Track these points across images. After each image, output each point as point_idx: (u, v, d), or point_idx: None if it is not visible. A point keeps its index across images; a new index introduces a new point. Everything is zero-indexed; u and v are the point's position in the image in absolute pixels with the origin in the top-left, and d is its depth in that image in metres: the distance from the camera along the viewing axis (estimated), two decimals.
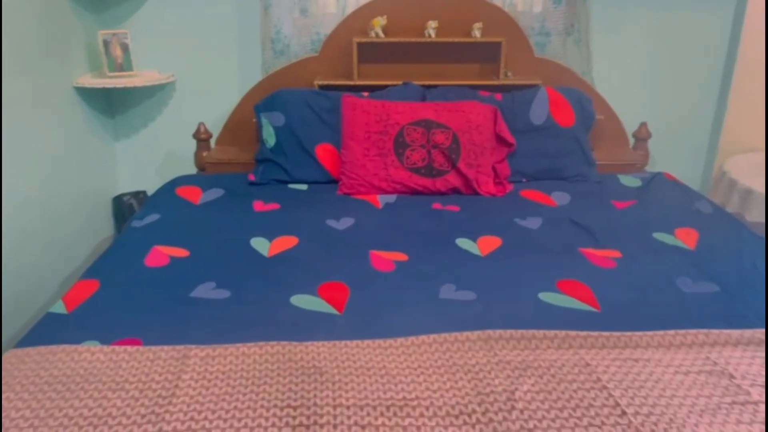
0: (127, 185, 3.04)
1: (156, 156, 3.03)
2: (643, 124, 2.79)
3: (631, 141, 2.86)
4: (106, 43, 2.63)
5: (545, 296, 1.63)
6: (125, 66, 2.68)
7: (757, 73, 2.82)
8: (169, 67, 2.87)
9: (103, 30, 2.67)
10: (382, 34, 2.65)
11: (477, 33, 2.65)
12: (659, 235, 2.01)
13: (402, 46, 2.70)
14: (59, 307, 1.56)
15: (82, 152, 2.70)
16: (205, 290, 1.65)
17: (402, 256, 1.86)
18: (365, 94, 2.60)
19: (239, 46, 2.87)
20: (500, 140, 2.51)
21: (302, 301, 1.61)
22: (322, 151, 2.52)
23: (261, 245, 1.94)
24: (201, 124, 2.77)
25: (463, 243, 1.96)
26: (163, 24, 2.81)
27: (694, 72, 2.93)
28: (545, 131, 2.56)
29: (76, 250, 2.67)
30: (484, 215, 2.18)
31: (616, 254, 1.88)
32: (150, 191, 2.95)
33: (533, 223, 2.13)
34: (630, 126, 2.84)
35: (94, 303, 1.58)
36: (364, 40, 2.65)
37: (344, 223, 2.13)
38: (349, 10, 2.75)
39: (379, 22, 2.62)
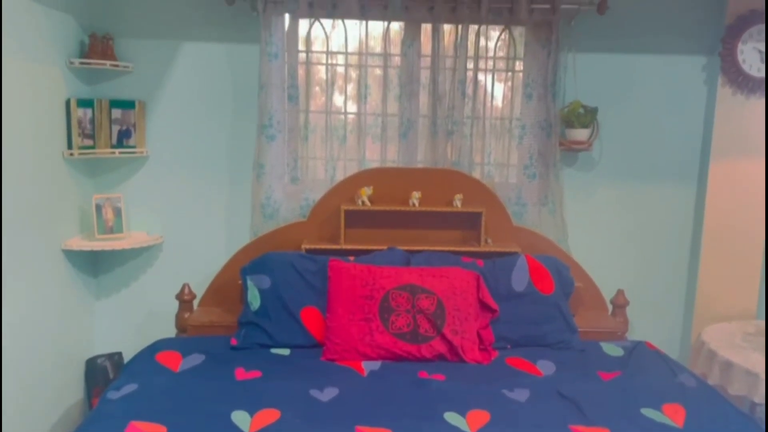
0: (103, 346, 2.95)
1: (136, 316, 2.98)
2: (620, 291, 2.87)
3: (610, 308, 2.92)
4: (98, 207, 2.69)
5: None
6: (115, 228, 2.73)
7: (724, 242, 2.97)
8: (158, 227, 2.93)
9: (98, 194, 2.75)
10: (368, 203, 2.77)
11: (458, 203, 2.79)
12: (647, 411, 1.99)
13: (387, 213, 2.81)
14: None
15: (60, 312, 2.65)
16: None
17: None
18: (351, 258, 2.66)
19: (229, 209, 2.97)
20: (483, 306, 2.54)
21: None
22: (307, 315, 2.51)
23: (242, 420, 1.86)
24: (185, 285, 2.77)
25: (452, 418, 1.91)
26: (156, 187, 2.91)
27: (665, 240, 3.08)
28: (526, 298, 2.61)
29: (43, 416, 2.52)
30: (471, 385, 2.15)
31: None
32: (126, 352, 2.87)
33: (521, 395, 2.10)
34: (607, 293, 2.92)
35: None
36: (351, 207, 2.77)
37: (328, 393, 2.07)
38: (338, 177, 2.91)
39: (366, 192, 2.75)
